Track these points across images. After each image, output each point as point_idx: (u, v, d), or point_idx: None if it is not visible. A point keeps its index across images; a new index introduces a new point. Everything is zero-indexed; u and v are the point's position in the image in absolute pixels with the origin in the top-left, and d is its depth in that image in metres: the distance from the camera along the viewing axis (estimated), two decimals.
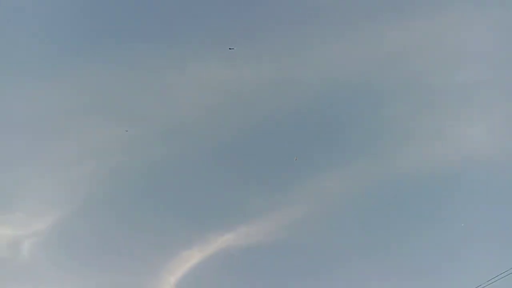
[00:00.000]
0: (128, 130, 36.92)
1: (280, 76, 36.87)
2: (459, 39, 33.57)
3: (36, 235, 35.69)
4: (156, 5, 39.10)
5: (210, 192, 36.35)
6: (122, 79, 38.38)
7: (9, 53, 37.60)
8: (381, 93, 34.70)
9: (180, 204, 36.52)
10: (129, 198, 36.83)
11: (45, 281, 34.55)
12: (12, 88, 37.40)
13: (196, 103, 37.56)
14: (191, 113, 37.45)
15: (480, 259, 29.07)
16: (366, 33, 34.97)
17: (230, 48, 35.55)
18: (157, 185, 36.95)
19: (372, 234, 32.86)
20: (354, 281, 31.24)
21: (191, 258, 34.84)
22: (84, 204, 36.39)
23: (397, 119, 34.60)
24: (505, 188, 30.51)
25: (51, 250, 35.49)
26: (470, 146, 32.32)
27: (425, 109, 34.56)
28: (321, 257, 32.97)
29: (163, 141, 37.51)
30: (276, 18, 37.19)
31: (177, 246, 34.88)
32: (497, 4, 32.83)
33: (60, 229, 35.74)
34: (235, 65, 36.99)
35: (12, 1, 38.42)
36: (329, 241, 33.39)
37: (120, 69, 38.52)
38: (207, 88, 37.69)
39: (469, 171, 31.71)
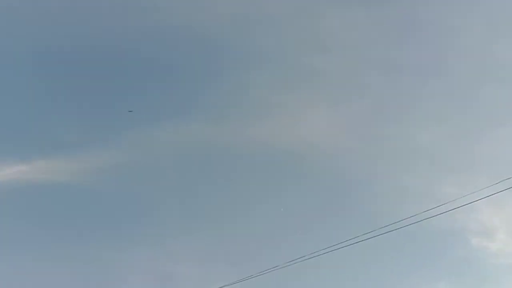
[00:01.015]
0: None
1: None
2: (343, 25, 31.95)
3: None
4: None
5: (9, 114, 30.48)
6: None
7: None
8: (244, 57, 31.62)
9: None
10: None
11: None
12: None
13: None
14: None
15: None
16: None
17: None
18: None
19: (189, 195, 29.52)
20: (155, 236, 27.82)
21: None
22: None
23: (255, 87, 31.73)
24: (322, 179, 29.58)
25: None
26: (317, 132, 30.63)
27: (284, 85, 32.08)
28: (127, 208, 29.13)
29: None
30: None
31: None
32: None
33: None
34: None
35: None
36: (140, 194, 29.59)
37: None
38: None
39: (308, 156, 30.05)
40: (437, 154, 28.85)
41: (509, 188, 19.79)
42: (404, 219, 21.11)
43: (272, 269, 22.85)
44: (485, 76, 30.14)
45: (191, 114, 31.97)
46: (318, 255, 21.83)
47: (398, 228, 20.84)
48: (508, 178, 19.98)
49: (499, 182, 19.82)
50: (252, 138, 30.56)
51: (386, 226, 21.25)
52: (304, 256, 22.29)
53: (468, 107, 29.99)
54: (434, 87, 30.20)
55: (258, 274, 22.48)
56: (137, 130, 31.23)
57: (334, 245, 21.60)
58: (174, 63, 32.86)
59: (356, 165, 29.44)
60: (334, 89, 31.46)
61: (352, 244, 21.20)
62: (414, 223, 21.01)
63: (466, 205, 20.36)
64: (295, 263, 22.49)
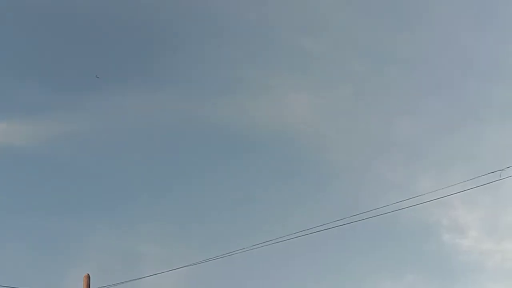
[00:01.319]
0: None
1: None
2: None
3: None
4: None
5: None
6: None
7: None
8: (229, 31, 31.11)
9: None
10: None
11: None
12: None
13: None
14: None
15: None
16: None
17: None
18: None
19: (155, 170, 28.93)
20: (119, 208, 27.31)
21: None
22: None
23: (235, 64, 33.16)
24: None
25: None
26: (298, 116, 31.85)
27: (267, 65, 32.02)
28: (89, 179, 28.50)
29: None
30: None
31: None
32: None
33: None
34: None
35: None
36: (104, 165, 29.06)
37: None
38: None
39: (287, 139, 31.37)
40: (417, 146, 28.66)
41: (482, 185, 19.35)
42: (375, 209, 20.65)
43: (237, 251, 22.34)
44: (469, 72, 29.86)
45: (166, 85, 30.91)
46: (284, 240, 21.33)
47: (369, 218, 20.35)
48: (482, 175, 19.49)
49: (473, 178, 19.39)
50: (228, 116, 29.89)
51: (358, 214, 20.76)
52: (270, 240, 21.86)
53: (451, 101, 29.75)
54: (418, 79, 29.89)
55: (224, 255, 21.96)
56: (105, 97, 30.08)
57: (302, 231, 21.07)
58: (151, 29, 31.37)
59: (333, 152, 29.19)
60: (319, 73, 31.17)
61: (322, 230, 20.76)
62: (385, 213, 20.51)
63: (440, 201, 19.94)
64: (261, 246, 22.04)
